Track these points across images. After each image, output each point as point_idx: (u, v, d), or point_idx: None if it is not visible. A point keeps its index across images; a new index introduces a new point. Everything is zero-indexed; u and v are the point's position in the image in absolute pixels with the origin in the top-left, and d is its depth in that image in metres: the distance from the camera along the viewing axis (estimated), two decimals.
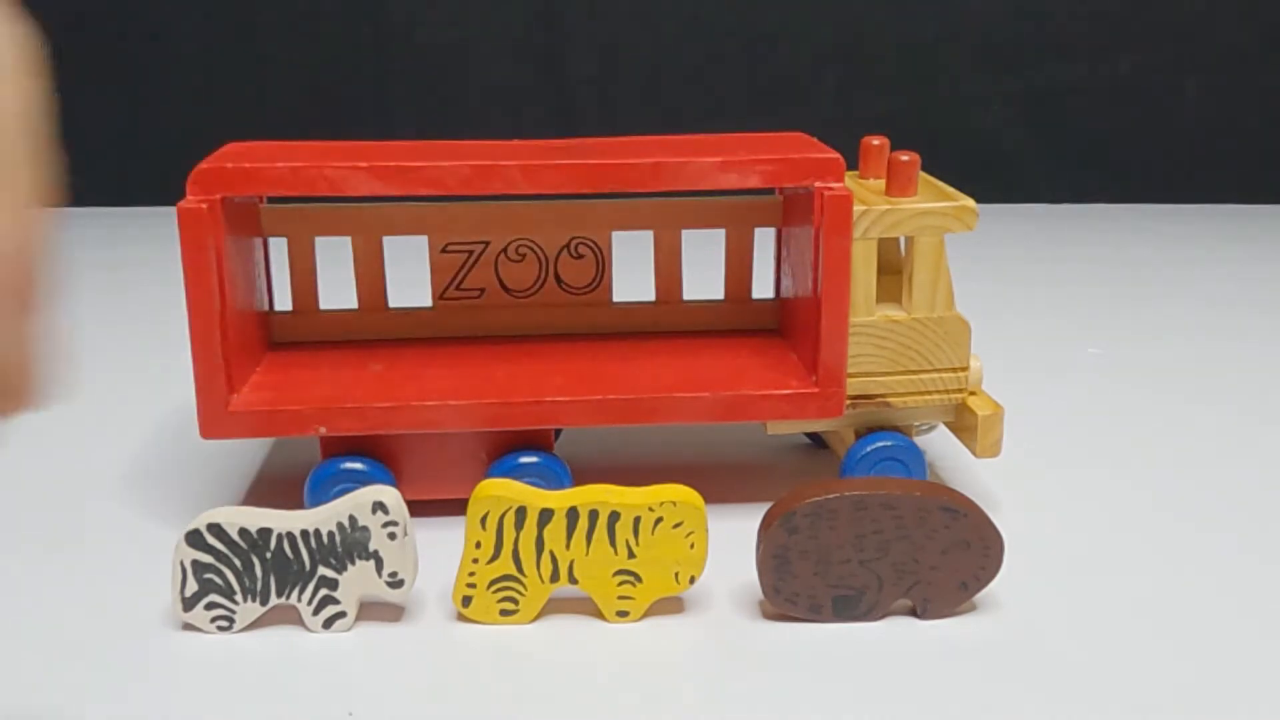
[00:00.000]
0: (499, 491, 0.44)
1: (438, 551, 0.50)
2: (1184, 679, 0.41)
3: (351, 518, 0.43)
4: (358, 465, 0.50)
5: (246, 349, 0.52)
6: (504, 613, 0.45)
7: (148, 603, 0.45)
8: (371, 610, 0.45)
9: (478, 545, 0.44)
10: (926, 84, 1.14)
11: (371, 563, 0.43)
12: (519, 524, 0.44)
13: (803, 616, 0.45)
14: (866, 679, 0.42)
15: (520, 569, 0.44)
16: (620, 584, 0.45)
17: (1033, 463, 0.57)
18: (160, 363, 0.69)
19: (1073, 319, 0.82)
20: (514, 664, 0.42)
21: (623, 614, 0.45)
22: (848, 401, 0.50)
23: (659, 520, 0.44)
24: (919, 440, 0.54)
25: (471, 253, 0.55)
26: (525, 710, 0.40)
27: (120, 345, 0.74)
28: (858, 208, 0.49)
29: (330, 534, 0.43)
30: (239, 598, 0.44)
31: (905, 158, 0.50)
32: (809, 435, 0.60)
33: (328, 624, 0.44)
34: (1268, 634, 0.44)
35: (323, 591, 0.44)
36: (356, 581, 0.44)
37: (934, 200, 0.50)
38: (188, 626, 0.44)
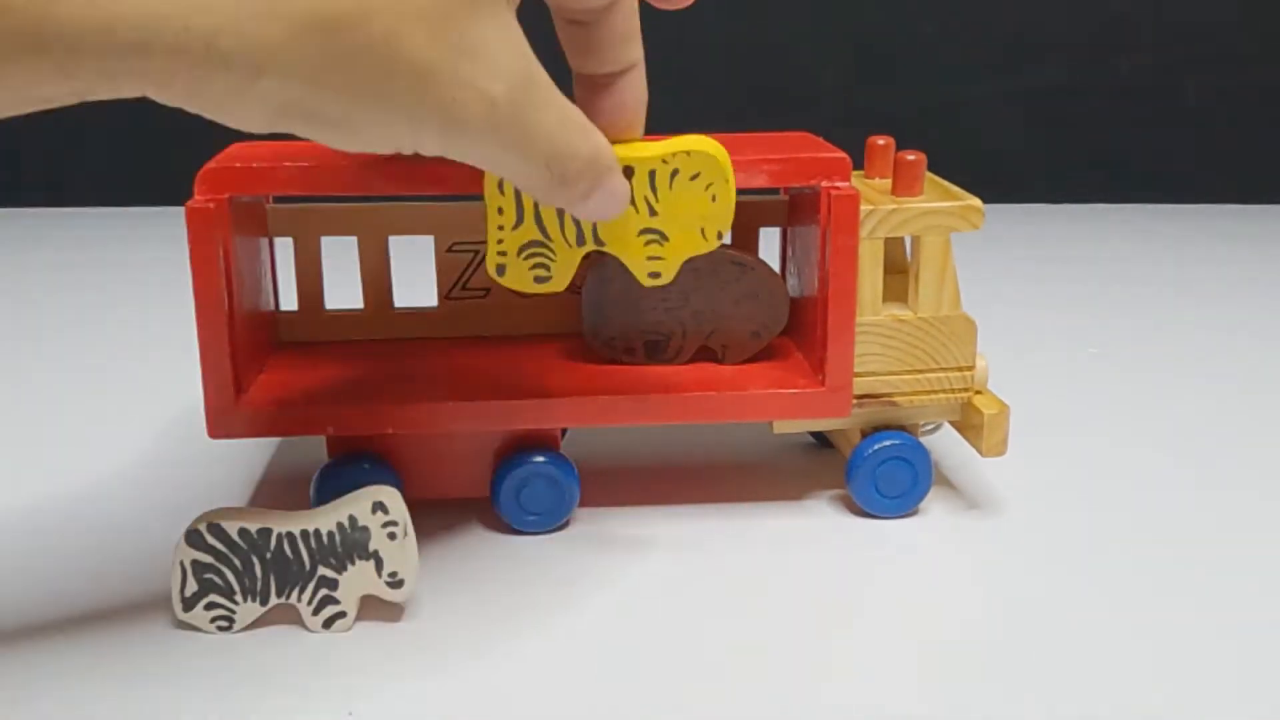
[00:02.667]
0: None
1: (438, 551, 0.50)
2: (1188, 677, 0.41)
3: (351, 518, 0.43)
4: (364, 465, 0.50)
5: (253, 349, 0.52)
6: (538, 279, 0.45)
7: (153, 602, 0.45)
8: (371, 610, 0.45)
9: (500, 211, 0.43)
10: (927, 84, 1.14)
11: (371, 563, 0.43)
12: None
13: (619, 359, 0.52)
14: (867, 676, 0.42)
15: (545, 234, 0.44)
16: (647, 244, 0.44)
17: (1035, 462, 0.57)
18: (167, 363, 0.69)
19: (1072, 319, 0.82)
20: (514, 663, 0.42)
21: (655, 275, 0.45)
22: (854, 401, 0.50)
23: (675, 172, 0.43)
24: (924, 439, 0.54)
25: (477, 252, 0.55)
26: (526, 710, 0.40)
27: (127, 345, 0.74)
28: (864, 207, 0.49)
29: (330, 534, 0.43)
30: (239, 598, 0.44)
31: (911, 157, 0.50)
32: (813, 435, 0.60)
33: (328, 624, 0.44)
34: (1277, 627, 0.44)
35: (323, 591, 0.44)
36: (356, 581, 0.44)
37: (940, 200, 0.50)
38: (187, 626, 0.44)
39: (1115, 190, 1.15)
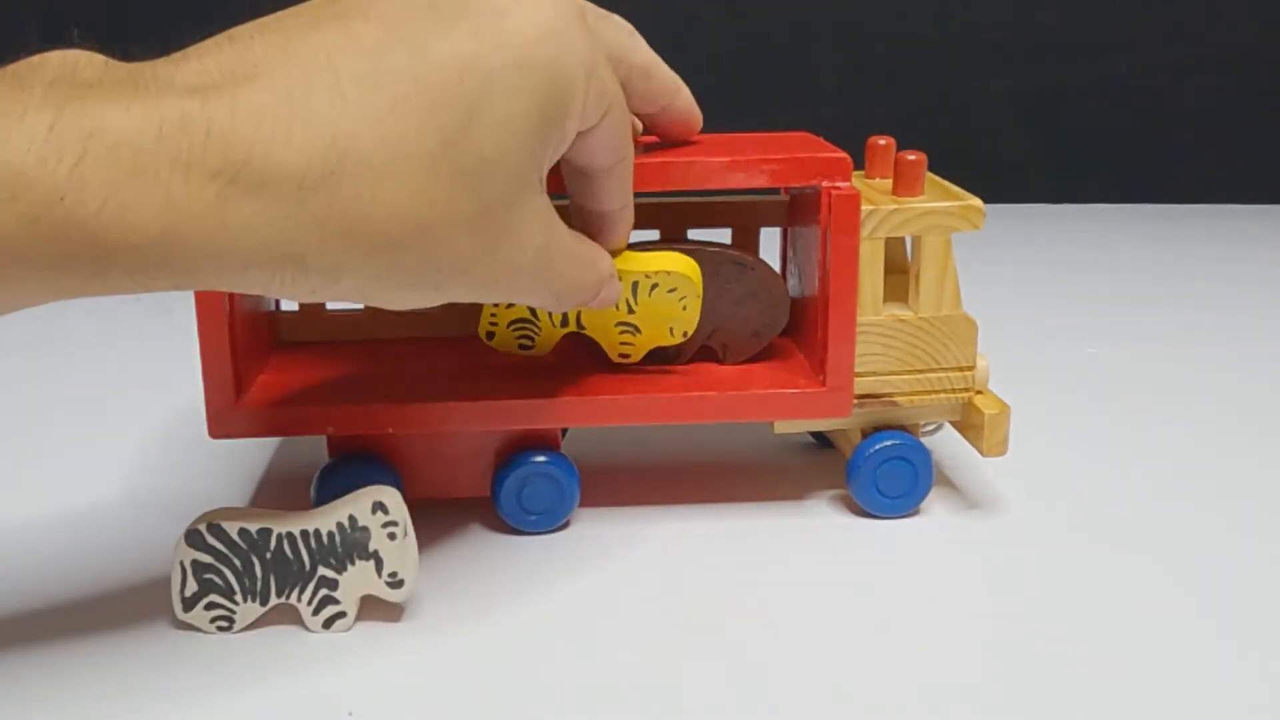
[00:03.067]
0: None
1: (438, 551, 0.50)
2: (1189, 677, 0.41)
3: (351, 518, 0.43)
4: (365, 465, 0.50)
5: (254, 349, 0.52)
6: (522, 347, 0.52)
7: (154, 602, 0.45)
8: (371, 610, 0.45)
9: None
10: (927, 84, 1.14)
11: (371, 563, 0.43)
12: None
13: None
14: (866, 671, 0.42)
15: (534, 314, 0.51)
16: (622, 333, 0.50)
17: (1036, 462, 0.57)
18: (168, 363, 0.69)
19: (1073, 319, 0.82)
20: (514, 663, 0.42)
21: (624, 356, 0.51)
22: (855, 401, 0.50)
23: (655, 285, 0.49)
24: (925, 440, 0.54)
25: None
26: (526, 710, 0.40)
27: (127, 345, 0.74)
28: (865, 207, 0.49)
29: (330, 534, 0.43)
30: (239, 598, 0.44)
31: (912, 157, 0.50)
32: (814, 435, 0.60)
33: (328, 624, 0.44)
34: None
35: (323, 592, 0.44)
36: (356, 581, 0.44)
37: (941, 200, 0.50)
38: (187, 626, 0.44)
39: (1115, 190, 1.15)
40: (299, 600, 0.44)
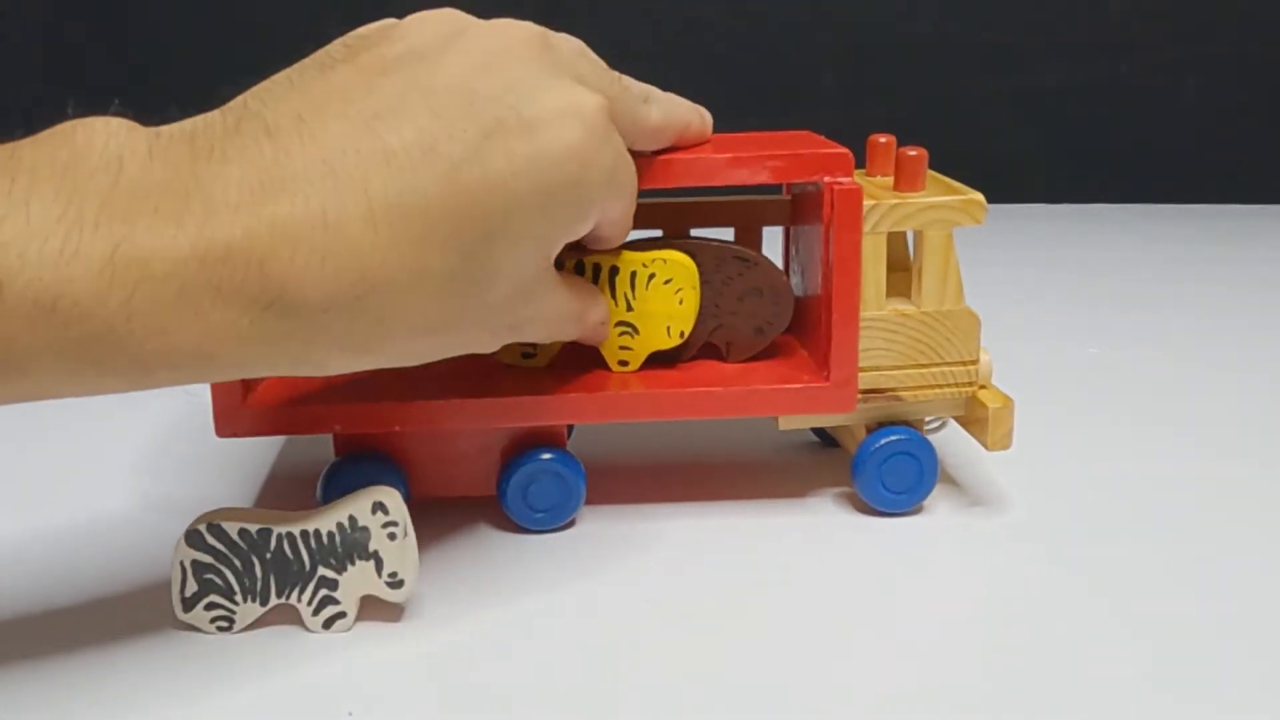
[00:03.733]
0: None
1: (443, 549, 0.50)
2: (1190, 676, 0.41)
3: (351, 518, 0.43)
4: (371, 463, 0.50)
5: None
6: (525, 355, 0.52)
7: (158, 603, 0.45)
8: (371, 610, 0.45)
9: None
10: (927, 84, 1.14)
11: (371, 563, 0.43)
12: None
13: None
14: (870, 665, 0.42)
15: None
16: (621, 334, 0.51)
17: (1039, 460, 0.57)
18: None
19: (1072, 319, 0.82)
20: (518, 662, 0.43)
21: (623, 364, 0.52)
22: (859, 396, 0.50)
23: (652, 276, 0.50)
24: (929, 436, 0.54)
25: None
26: (527, 709, 0.40)
27: None
28: (867, 202, 0.49)
29: (330, 534, 0.43)
30: (239, 598, 0.44)
31: (913, 153, 0.50)
32: (817, 434, 0.60)
33: (328, 624, 0.44)
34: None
35: (323, 592, 0.44)
36: (356, 582, 0.44)
37: (943, 195, 0.50)
38: (187, 627, 0.44)
39: (1115, 190, 1.15)
40: (299, 600, 0.44)
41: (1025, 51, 1.14)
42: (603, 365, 0.52)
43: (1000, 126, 1.15)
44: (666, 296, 0.50)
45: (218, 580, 0.43)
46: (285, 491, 0.55)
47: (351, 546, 0.43)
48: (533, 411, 0.50)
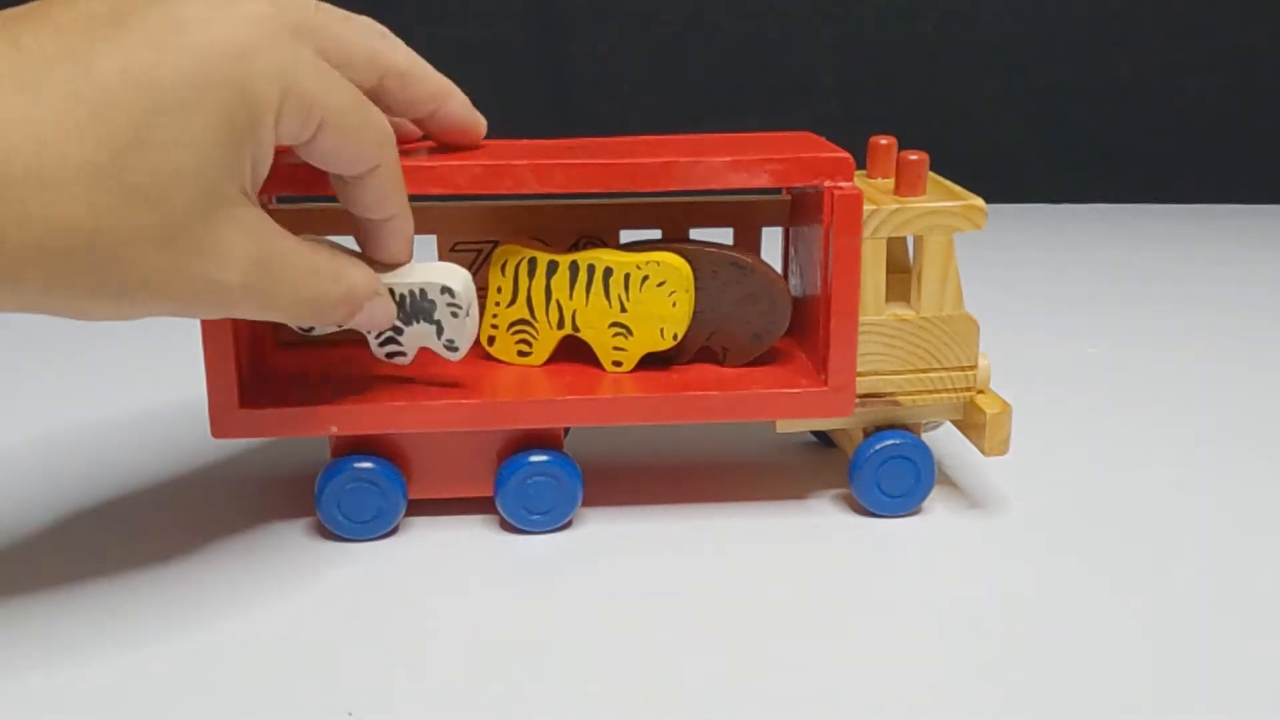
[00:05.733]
0: (517, 244, 0.51)
1: (439, 551, 0.50)
2: (1191, 676, 0.41)
3: (422, 290, 0.48)
4: (368, 464, 0.50)
5: (257, 348, 0.52)
6: (521, 354, 0.53)
7: (156, 602, 0.46)
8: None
9: (499, 290, 0.52)
10: (927, 84, 1.14)
11: (434, 328, 0.48)
12: (531, 273, 0.51)
13: None
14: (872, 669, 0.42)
15: (532, 314, 0.52)
16: (615, 335, 0.51)
17: (1037, 461, 0.57)
18: (170, 362, 0.69)
19: (1072, 319, 0.82)
20: (516, 662, 0.43)
21: (617, 364, 0.52)
22: (857, 400, 0.50)
23: (645, 278, 0.50)
24: (926, 438, 0.54)
25: (480, 252, 0.55)
26: (527, 710, 0.40)
27: (130, 344, 0.74)
28: (867, 207, 0.49)
29: (403, 296, 0.48)
30: None
31: (914, 157, 0.50)
32: (815, 434, 0.60)
33: (389, 356, 0.50)
34: None
35: (389, 332, 0.49)
36: (419, 335, 0.49)
37: (943, 199, 0.50)
38: (282, 362, 0.52)
39: (1115, 190, 1.15)
40: (361, 326, 0.48)
41: (1025, 51, 1.14)
42: (599, 366, 0.52)
43: (1000, 126, 1.15)
44: (659, 298, 0.50)
45: None
46: (282, 494, 0.55)
47: (418, 311, 0.48)
48: (530, 414, 0.50)
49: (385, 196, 0.46)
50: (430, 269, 0.48)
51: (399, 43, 0.47)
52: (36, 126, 0.36)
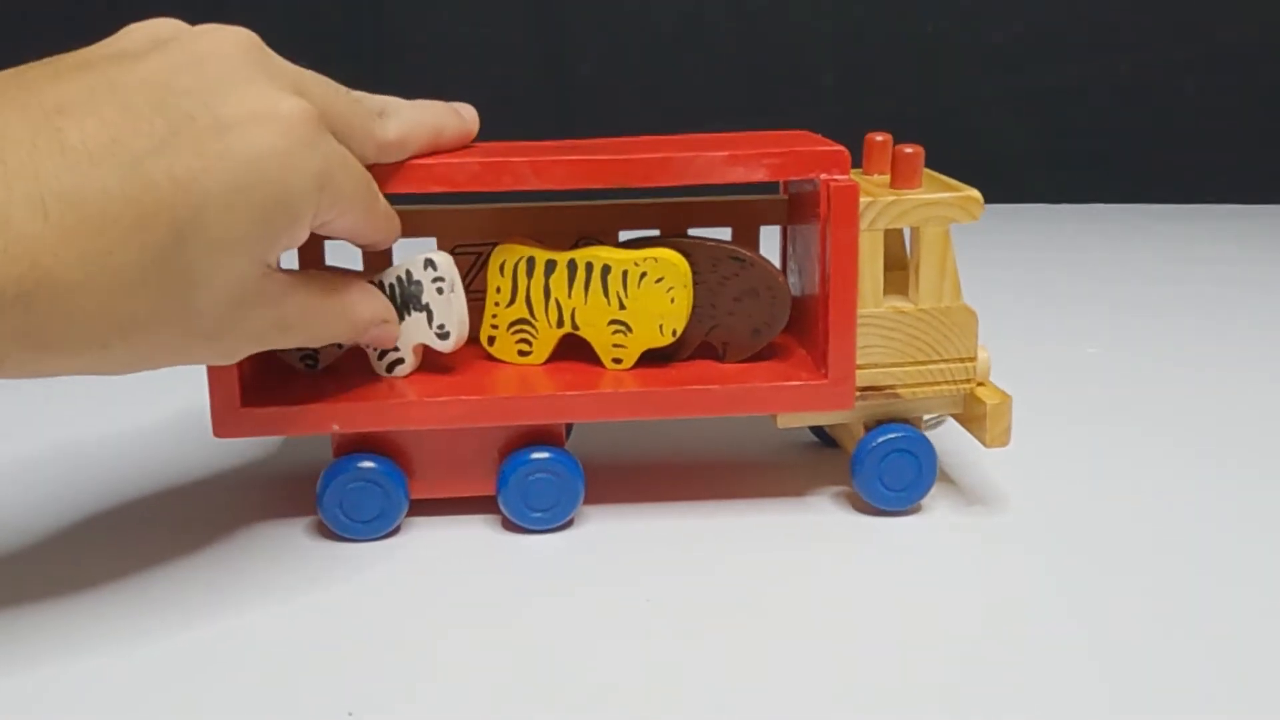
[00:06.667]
0: (515, 243, 0.52)
1: (441, 549, 0.50)
2: (1191, 676, 0.41)
3: (408, 272, 0.49)
4: (370, 463, 0.50)
5: None
6: (521, 353, 0.53)
7: (156, 602, 0.46)
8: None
9: (498, 290, 0.52)
10: (926, 84, 1.14)
11: (424, 315, 0.49)
12: (529, 272, 0.51)
13: None
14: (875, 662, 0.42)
15: (532, 314, 0.52)
16: (614, 333, 0.51)
17: (1038, 458, 0.57)
18: None
19: (1072, 319, 0.82)
20: (515, 662, 0.43)
21: (617, 361, 0.52)
22: (857, 393, 0.50)
23: (644, 275, 0.50)
24: (928, 433, 0.54)
25: (480, 255, 0.56)
26: (527, 709, 0.40)
27: None
28: (863, 199, 0.49)
29: (391, 286, 0.49)
30: None
31: (909, 150, 0.50)
32: (815, 433, 0.60)
33: (390, 368, 0.51)
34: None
35: None
36: (412, 331, 0.50)
37: (939, 192, 0.50)
38: (282, 362, 0.51)
39: (1115, 190, 1.15)
40: (367, 345, 0.50)
41: (1025, 51, 1.14)
42: (599, 363, 0.52)
43: (1000, 126, 1.15)
44: (658, 295, 0.51)
45: None
46: (284, 493, 0.55)
47: (408, 298, 0.49)
48: (531, 410, 0.50)
49: (376, 240, 0.49)
50: (408, 258, 0.49)
51: (396, 110, 0.48)
52: (77, 235, 0.37)
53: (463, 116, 0.50)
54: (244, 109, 0.40)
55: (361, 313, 0.48)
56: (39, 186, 0.36)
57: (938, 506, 0.53)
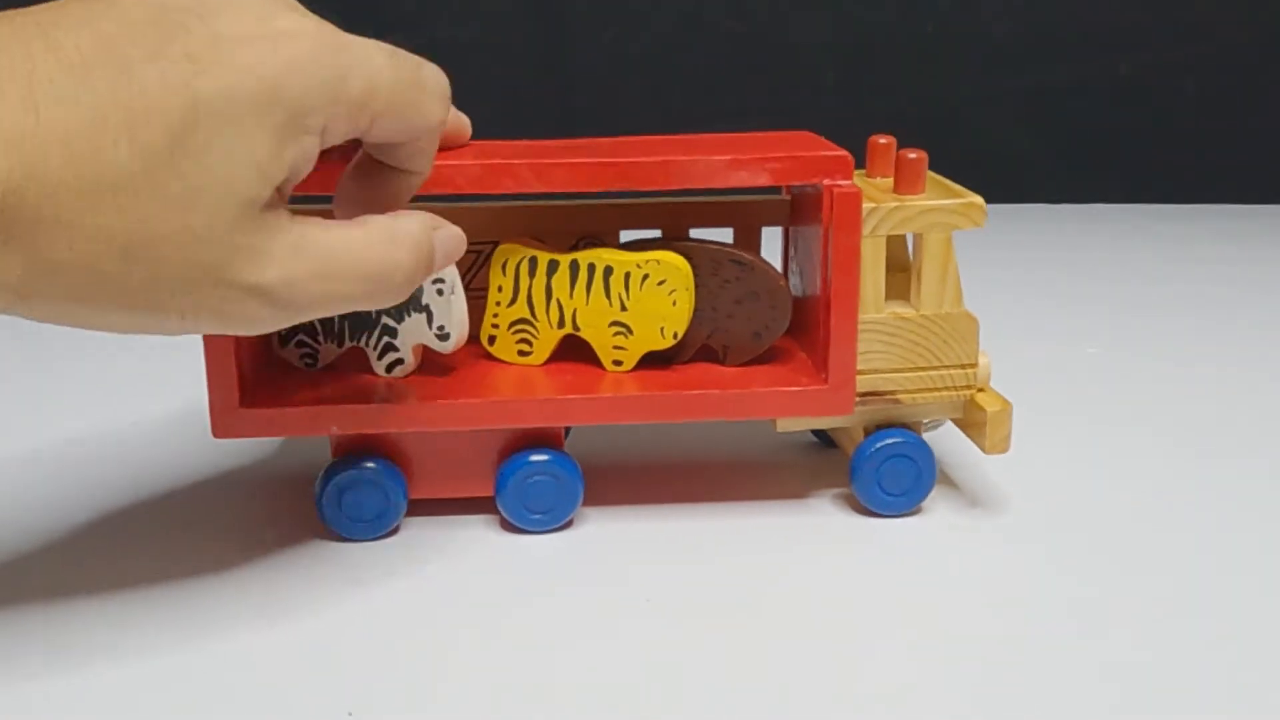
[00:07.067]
0: (517, 243, 0.52)
1: (439, 550, 0.50)
2: (1191, 676, 0.41)
3: None
4: (370, 464, 0.50)
5: (258, 348, 0.52)
6: (521, 354, 0.53)
7: (156, 601, 0.46)
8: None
9: (500, 289, 0.52)
10: (927, 84, 1.14)
11: (424, 315, 0.50)
12: (531, 272, 0.51)
13: None
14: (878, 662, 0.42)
15: (533, 314, 0.52)
16: (615, 334, 0.51)
17: (1038, 460, 0.57)
18: (172, 363, 0.69)
19: (1072, 319, 0.82)
20: (515, 662, 0.43)
21: (617, 363, 0.52)
22: (857, 398, 0.50)
23: (645, 277, 0.51)
24: (927, 437, 0.54)
25: (480, 253, 0.55)
26: (526, 709, 0.40)
27: (131, 344, 0.74)
28: (866, 205, 0.49)
29: None
30: (320, 339, 0.51)
31: (913, 155, 0.50)
32: (816, 434, 0.60)
33: (389, 369, 0.51)
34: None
35: (385, 339, 0.50)
36: (412, 331, 0.50)
37: (942, 198, 0.50)
38: (282, 359, 0.52)
39: (1115, 190, 1.15)
40: (367, 344, 0.51)
41: (1025, 51, 1.14)
42: (600, 366, 0.52)
43: (1000, 126, 1.15)
44: (660, 297, 0.51)
45: (305, 322, 0.46)
46: (283, 493, 0.55)
47: (407, 299, 0.47)
48: (530, 413, 0.50)
49: (431, 154, 0.44)
50: None
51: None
52: (67, 133, 0.36)
53: (458, 114, 0.50)
54: (242, 25, 0.39)
55: (412, 229, 0.43)
56: (31, 88, 0.36)
57: (937, 507, 0.53)
